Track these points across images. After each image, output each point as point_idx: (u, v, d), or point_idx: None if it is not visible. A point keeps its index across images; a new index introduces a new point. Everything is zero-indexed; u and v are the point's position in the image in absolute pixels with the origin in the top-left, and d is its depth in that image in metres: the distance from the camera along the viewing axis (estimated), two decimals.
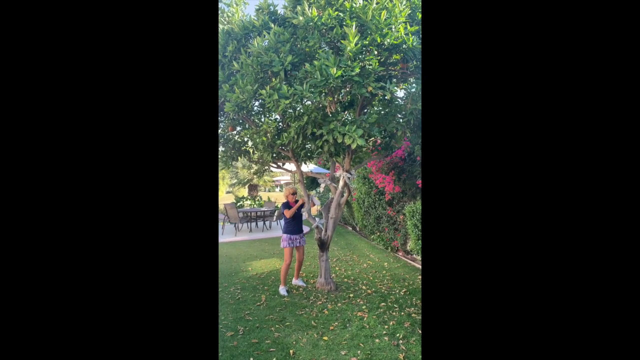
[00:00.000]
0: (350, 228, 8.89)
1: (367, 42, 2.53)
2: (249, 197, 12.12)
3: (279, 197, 16.25)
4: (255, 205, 11.47)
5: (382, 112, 3.60)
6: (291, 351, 2.53)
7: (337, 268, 5.08)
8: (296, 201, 4.12)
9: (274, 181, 18.75)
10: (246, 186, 15.69)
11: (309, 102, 3.50)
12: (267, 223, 9.45)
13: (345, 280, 4.47)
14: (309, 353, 2.51)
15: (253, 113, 4.04)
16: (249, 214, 8.71)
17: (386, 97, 2.92)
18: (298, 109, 2.96)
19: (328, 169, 5.75)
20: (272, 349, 2.56)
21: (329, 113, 2.85)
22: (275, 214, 8.77)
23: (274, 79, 2.67)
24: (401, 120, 3.28)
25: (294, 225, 4.00)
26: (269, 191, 22.35)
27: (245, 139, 4.30)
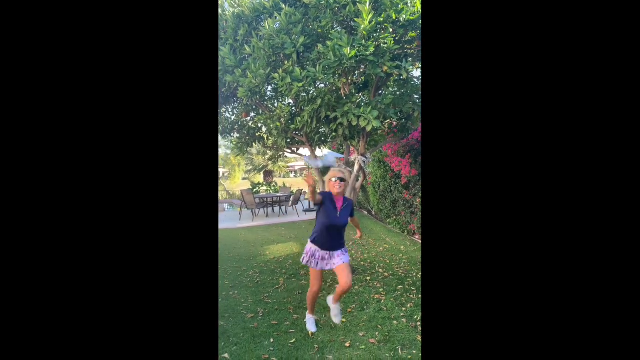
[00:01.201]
0: (365, 212, 8.88)
1: (381, 20, 2.43)
2: (264, 183, 12.24)
3: (293, 183, 16.36)
4: (271, 191, 11.59)
5: (398, 92, 3.50)
6: (310, 332, 2.58)
7: (353, 251, 5.10)
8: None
9: (288, 167, 18.81)
10: (261, 172, 15.83)
11: (323, 85, 3.44)
12: (283, 208, 9.55)
13: (362, 263, 4.49)
14: (327, 334, 2.55)
15: (266, 98, 4.02)
16: (265, 199, 8.81)
17: (402, 77, 2.83)
18: (311, 92, 2.91)
19: (342, 153, 5.73)
20: (291, 330, 2.62)
21: (343, 95, 2.79)
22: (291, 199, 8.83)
23: (286, 62, 2.62)
24: (417, 100, 3.19)
25: (324, 232, 2.34)
26: (284, 177, 22.53)
27: (260, 125, 4.30)
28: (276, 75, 2.59)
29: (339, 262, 2.39)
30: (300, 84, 2.47)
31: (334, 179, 2.31)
